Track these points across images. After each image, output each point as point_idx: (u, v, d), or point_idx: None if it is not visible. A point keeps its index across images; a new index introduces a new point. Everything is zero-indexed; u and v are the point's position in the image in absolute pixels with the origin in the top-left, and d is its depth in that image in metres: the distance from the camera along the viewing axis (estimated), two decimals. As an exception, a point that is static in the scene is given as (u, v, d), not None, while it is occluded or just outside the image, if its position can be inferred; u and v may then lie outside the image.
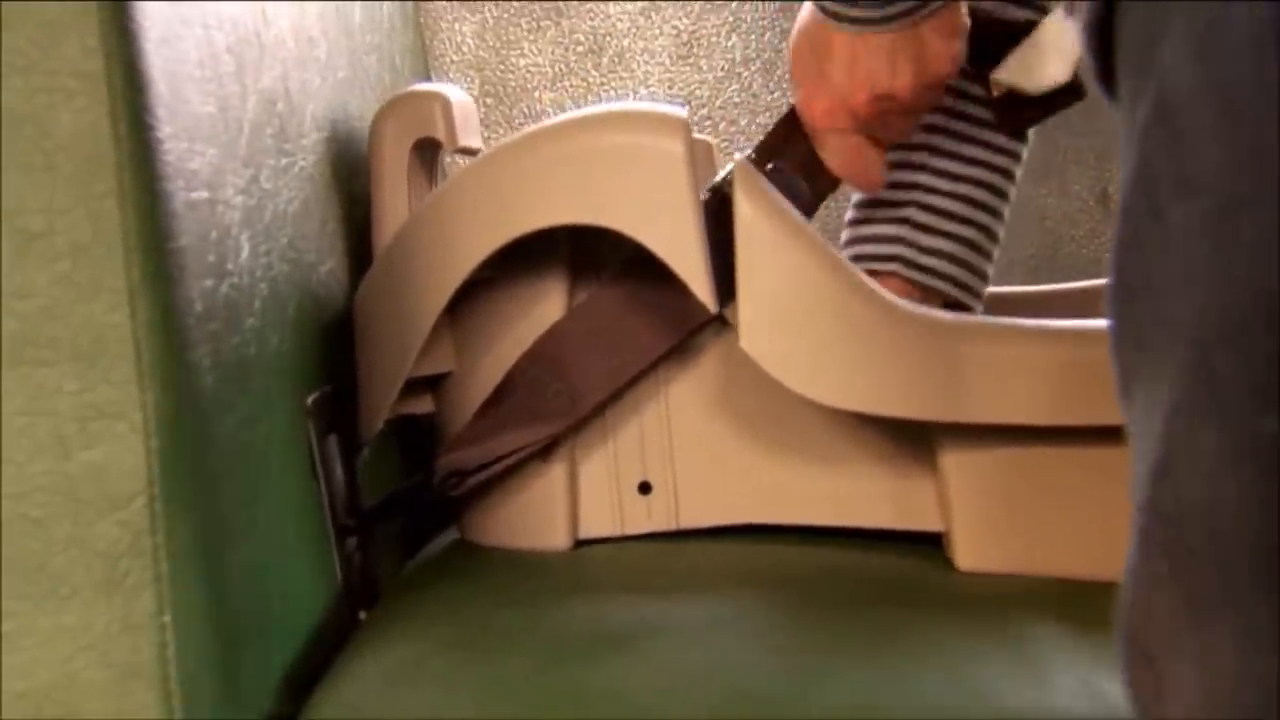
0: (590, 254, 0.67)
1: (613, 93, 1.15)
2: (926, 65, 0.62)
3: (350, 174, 0.73)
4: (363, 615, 0.65)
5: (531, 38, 1.14)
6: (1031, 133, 0.74)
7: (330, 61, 0.72)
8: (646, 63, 1.14)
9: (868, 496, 0.67)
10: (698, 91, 1.15)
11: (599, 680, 0.52)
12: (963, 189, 0.71)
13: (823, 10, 0.60)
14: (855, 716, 0.50)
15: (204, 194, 0.50)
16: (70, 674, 0.45)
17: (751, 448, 0.68)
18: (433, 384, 0.71)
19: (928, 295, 0.71)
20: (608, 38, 1.14)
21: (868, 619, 0.57)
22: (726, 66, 1.15)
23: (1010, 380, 0.60)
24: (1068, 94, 0.69)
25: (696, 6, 1.14)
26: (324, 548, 0.62)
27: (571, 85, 1.15)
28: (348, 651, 0.58)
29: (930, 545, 0.66)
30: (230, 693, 0.49)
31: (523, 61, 1.14)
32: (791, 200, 0.64)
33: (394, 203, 0.71)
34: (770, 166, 0.67)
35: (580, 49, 1.14)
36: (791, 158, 0.67)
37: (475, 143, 0.72)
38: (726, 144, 1.14)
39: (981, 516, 0.63)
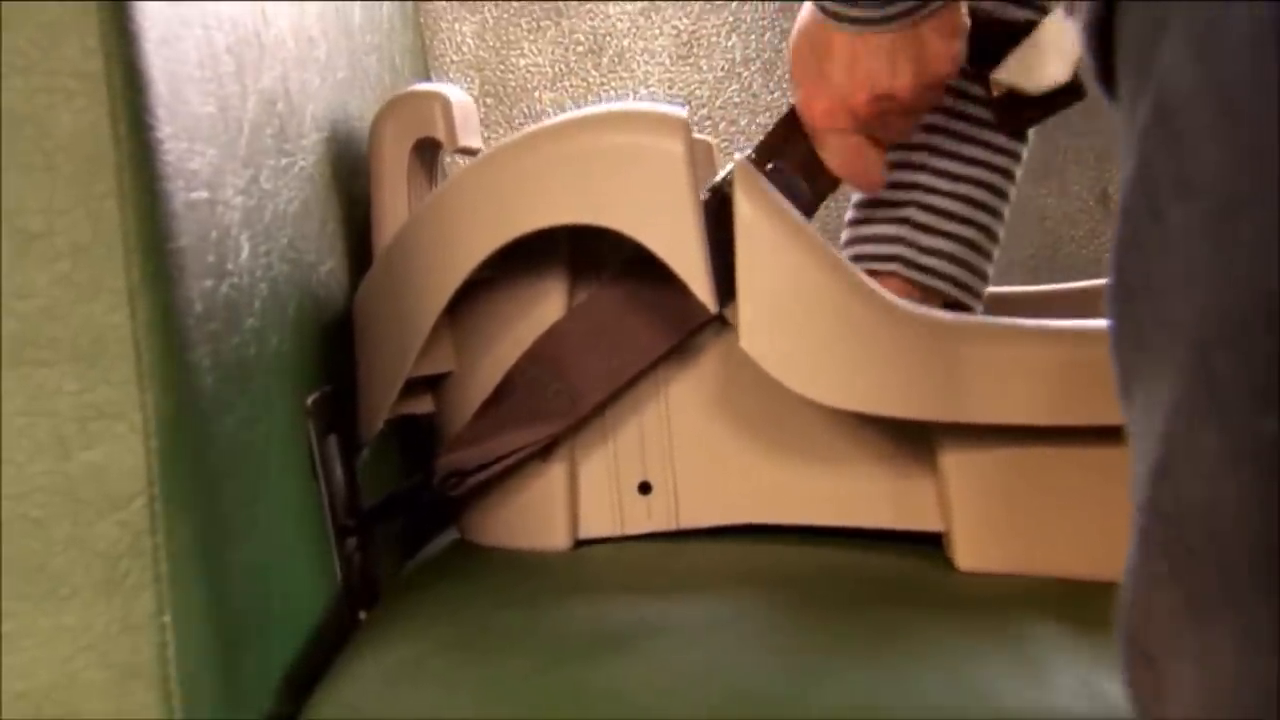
0: (590, 254, 0.67)
1: (613, 93, 1.15)
2: (927, 65, 0.62)
3: (350, 174, 0.73)
4: (363, 615, 0.65)
5: (531, 38, 1.14)
6: (1031, 133, 0.74)
7: (330, 62, 0.72)
8: (646, 63, 1.14)
9: (868, 497, 0.67)
10: (698, 91, 1.15)
11: (599, 680, 0.52)
12: (962, 189, 0.71)
13: (823, 10, 0.60)
14: (855, 716, 0.50)
15: (204, 194, 0.50)
16: (70, 674, 0.45)
17: (751, 448, 0.68)
18: (432, 384, 0.71)
19: (927, 295, 0.71)
20: (608, 38, 1.14)
21: (868, 619, 0.57)
22: (726, 66, 1.15)
23: (1010, 380, 0.60)
24: (1068, 94, 0.69)
25: (696, 6, 1.14)
26: (324, 548, 0.62)
27: (571, 85, 1.15)
28: (348, 651, 0.58)
29: (930, 545, 0.66)
30: (230, 693, 0.49)
31: (523, 61, 1.14)
32: (791, 200, 0.64)
33: (394, 203, 0.71)
34: (770, 166, 0.67)
35: (580, 49, 1.14)
36: (791, 158, 0.67)
37: (475, 143, 0.72)
38: (726, 144, 1.14)
39: (981, 516, 0.63)
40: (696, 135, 0.64)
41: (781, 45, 1.13)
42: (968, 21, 0.64)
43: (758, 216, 0.61)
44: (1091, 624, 0.56)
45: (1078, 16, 0.39)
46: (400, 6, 0.97)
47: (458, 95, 0.71)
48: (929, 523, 0.66)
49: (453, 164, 0.87)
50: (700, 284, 0.60)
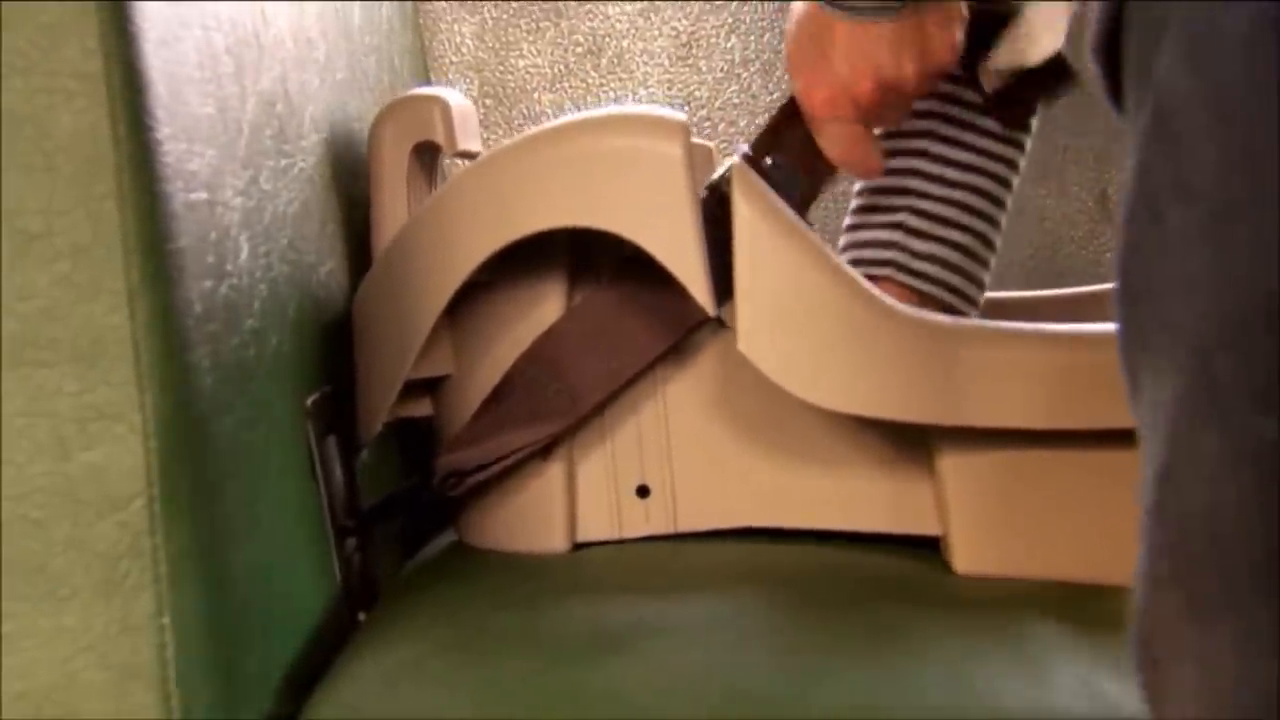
0: (589, 257, 0.67)
1: (612, 94, 1.15)
2: (929, 54, 0.62)
3: (350, 175, 0.73)
4: (362, 616, 0.65)
5: (531, 39, 1.14)
6: (1030, 137, 0.74)
7: (329, 63, 0.72)
8: (646, 64, 1.15)
9: (866, 500, 0.67)
10: (697, 93, 1.15)
11: (598, 681, 0.53)
12: (958, 195, 0.72)
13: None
14: (855, 716, 0.50)
15: (203, 195, 0.50)
16: (69, 675, 0.45)
17: (749, 451, 0.68)
18: (431, 387, 0.71)
19: (922, 300, 0.71)
20: (607, 39, 1.14)
21: (867, 619, 0.57)
22: (726, 67, 1.15)
23: (1007, 384, 0.60)
24: (1061, 77, 0.69)
25: (696, 7, 1.14)
26: (323, 549, 0.62)
27: (571, 86, 1.15)
28: (347, 652, 0.58)
29: (928, 549, 0.66)
30: (229, 693, 0.49)
31: (522, 63, 1.14)
32: (790, 195, 0.64)
33: (393, 206, 0.71)
34: (769, 162, 0.67)
35: (579, 50, 1.14)
36: (789, 148, 0.67)
37: (474, 146, 0.72)
38: (726, 145, 1.14)
39: (979, 520, 0.63)
40: (696, 140, 0.64)
41: (781, 46, 1.13)
42: (966, 11, 0.64)
43: (756, 219, 0.61)
44: (1091, 624, 0.56)
45: (1087, 34, 0.39)
46: (399, 7, 0.97)
47: (457, 99, 0.71)
48: (927, 526, 0.66)
49: (452, 166, 0.87)
50: (699, 287, 0.61)
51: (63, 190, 0.44)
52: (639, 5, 1.14)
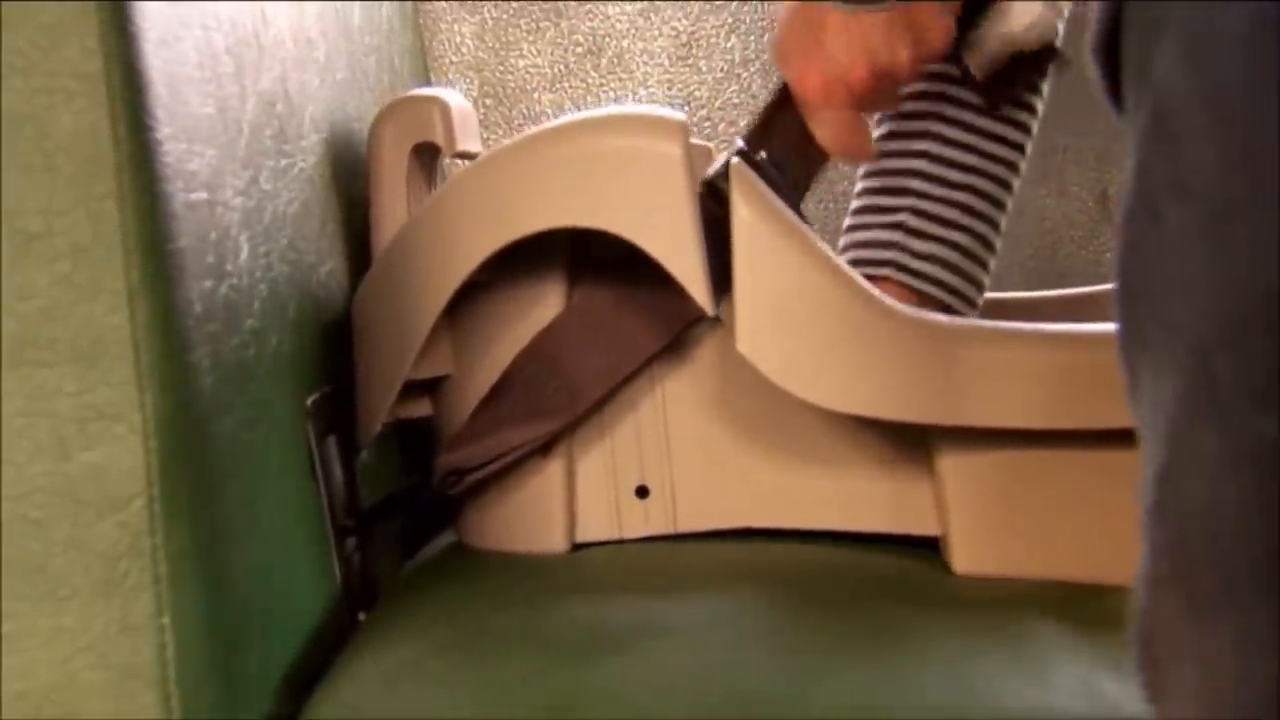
0: (589, 257, 0.67)
1: (612, 94, 1.15)
2: (922, 40, 0.62)
3: (350, 176, 0.73)
4: (362, 616, 0.65)
5: (531, 39, 1.14)
6: (1031, 138, 0.74)
7: (329, 63, 0.72)
8: (646, 64, 1.15)
9: (865, 500, 0.67)
10: (697, 93, 1.15)
11: (597, 681, 0.53)
12: (958, 196, 0.72)
13: None
14: (855, 716, 0.50)
15: (203, 195, 0.50)
16: (69, 675, 0.45)
17: (748, 451, 0.68)
18: (431, 388, 0.71)
19: (921, 300, 0.71)
20: (607, 39, 1.14)
21: (866, 619, 0.57)
22: (726, 67, 1.15)
23: (1007, 384, 0.60)
24: (1046, 57, 0.69)
25: (696, 7, 1.14)
26: (323, 549, 0.62)
27: (571, 86, 1.15)
28: (347, 652, 0.58)
29: (928, 549, 0.66)
30: (229, 693, 0.49)
31: (522, 63, 1.14)
32: (785, 189, 0.64)
33: (393, 206, 0.71)
34: (763, 155, 0.66)
35: (579, 50, 1.14)
36: (783, 138, 0.67)
37: (474, 147, 0.72)
38: (726, 145, 1.14)
39: (978, 520, 0.63)
40: (695, 140, 0.64)
41: (781, 47, 1.13)
42: None
43: (755, 220, 0.61)
44: (1091, 624, 0.56)
45: (1086, 34, 0.39)
46: (399, 7, 0.98)
47: (456, 100, 0.71)
48: (926, 527, 0.66)
49: (452, 167, 0.87)
50: (698, 288, 0.61)
51: (63, 190, 0.44)
52: (639, 5, 1.14)
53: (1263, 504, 0.31)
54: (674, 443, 0.68)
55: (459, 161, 0.73)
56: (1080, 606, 0.58)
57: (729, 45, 1.14)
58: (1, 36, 0.44)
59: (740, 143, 0.66)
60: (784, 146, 0.67)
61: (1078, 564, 0.62)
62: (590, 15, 1.14)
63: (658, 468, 0.68)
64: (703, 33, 1.14)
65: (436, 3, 1.13)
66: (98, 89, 0.44)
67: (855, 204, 0.75)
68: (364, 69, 0.81)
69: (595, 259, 0.67)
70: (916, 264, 0.71)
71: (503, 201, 0.62)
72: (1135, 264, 0.35)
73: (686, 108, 1.14)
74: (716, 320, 0.64)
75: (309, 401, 0.62)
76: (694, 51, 1.14)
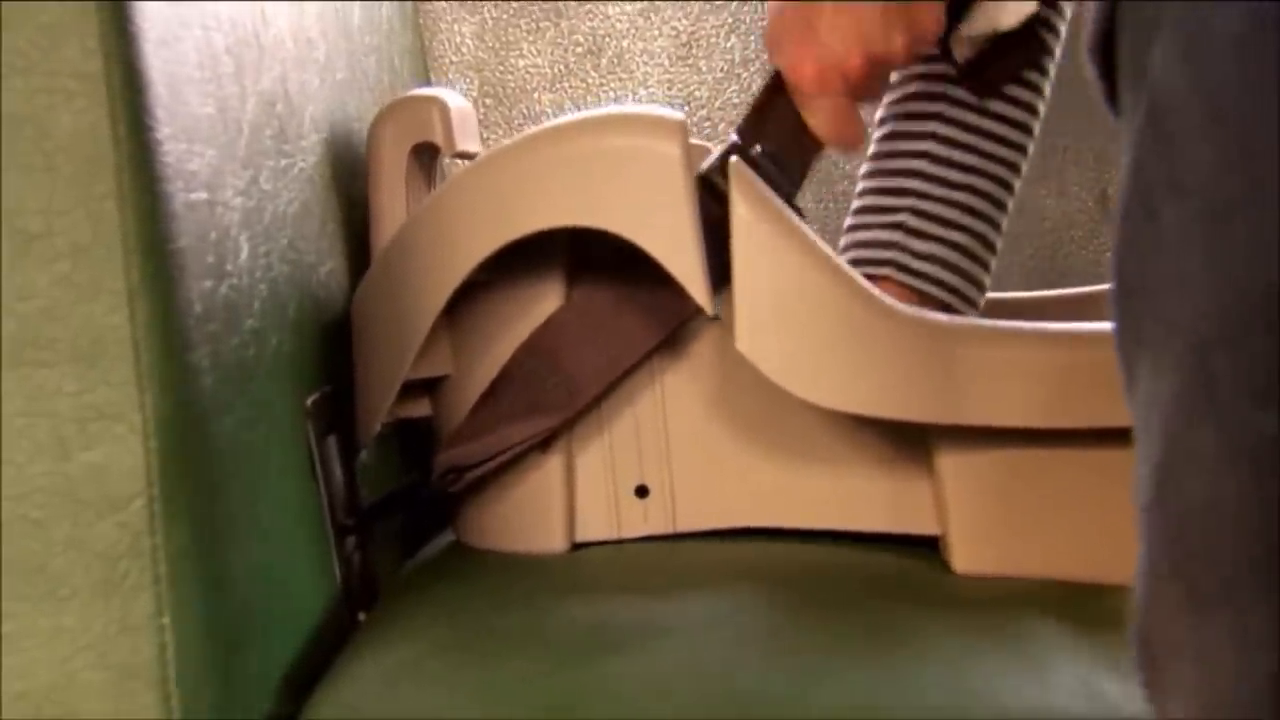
0: (588, 256, 0.67)
1: (612, 94, 1.15)
2: (916, 26, 0.62)
3: (350, 175, 0.73)
4: (362, 616, 0.65)
5: (531, 39, 1.14)
6: (1033, 139, 0.74)
7: (329, 63, 0.72)
8: (646, 64, 1.15)
9: (865, 500, 0.67)
10: (697, 93, 1.15)
11: (597, 681, 0.53)
12: (958, 196, 0.72)
13: None
14: (855, 716, 0.50)
15: (203, 195, 0.50)
16: (69, 675, 0.45)
17: (748, 450, 0.68)
18: (430, 388, 0.71)
19: (922, 300, 0.71)
20: (607, 39, 1.14)
21: (866, 618, 0.57)
22: (726, 67, 1.15)
23: (1007, 383, 0.60)
24: (1032, 45, 0.70)
25: (696, 7, 1.14)
26: (323, 549, 0.62)
27: (571, 86, 1.15)
28: (347, 652, 0.58)
29: (927, 548, 0.66)
30: (229, 693, 0.49)
31: (522, 63, 1.14)
32: (780, 183, 0.64)
33: (392, 206, 0.71)
34: (758, 149, 0.66)
35: (579, 50, 1.14)
36: (777, 128, 0.67)
37: (473, 147, 0.72)
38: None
39: (978, 519, 0.63)
40: (695, 141, 0.64)
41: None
42: None
43: (755, 219, 0.61)
44: (1091, 624, 0.56)
45: (1083, 34, 0.39)
46: (399, 7, 0.98)
47: (456, 100, 0.71)
48: (926, 526, 0.66)
49: (452, 167, 0.87)
50: (697, 287, 0.61)
51: (63, 190, 0.44)
52: (639, 5, 1.14)
53: (1262, 500, 0.31)
54: (673, 442, 0.68)
55: (458, 161, 0.73)
56: (1080, 606, 0.58)
57: (729, 45, 1.14)
58: (1, 36, 0.44)
59: (734, 136, 0.66)
60: (778, 137, 0.67)
61: (1078, 563, 0.62)
62: (590, 15, 1.14)
63: (657, 467, 0.68)
64: (703, 33, 1.14)
65: (436, 3, 1.13)
66: (98, 89, 0.44)
67: (856, 204, 0.75)
68: (364, 69, 0.81)
69: (594, 256, 0.67)
70: (917, 264, 0.71)
71: (502, 201, 0.62)
72: (1131, 262, 0.36)
73: (686, 108, 1.15)
74: (716, 319, 0.64)
75: (309, 401, 0.62)
76: (694, 51, 1.14)
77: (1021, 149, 0.73)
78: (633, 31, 1.14)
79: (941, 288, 0.71)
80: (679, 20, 1.14)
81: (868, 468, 0.67)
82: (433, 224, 0.65)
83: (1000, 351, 0.60)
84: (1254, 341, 0.31)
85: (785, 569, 0.64)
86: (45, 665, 0.45)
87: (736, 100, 1.14)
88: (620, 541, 0.69)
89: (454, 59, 1.14)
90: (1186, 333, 0.33)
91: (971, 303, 0.73)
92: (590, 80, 1.15)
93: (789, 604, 0.59)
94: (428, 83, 1.11)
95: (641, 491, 0.69)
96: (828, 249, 0.62)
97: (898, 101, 0.74)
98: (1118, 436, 0.37)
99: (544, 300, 0.67)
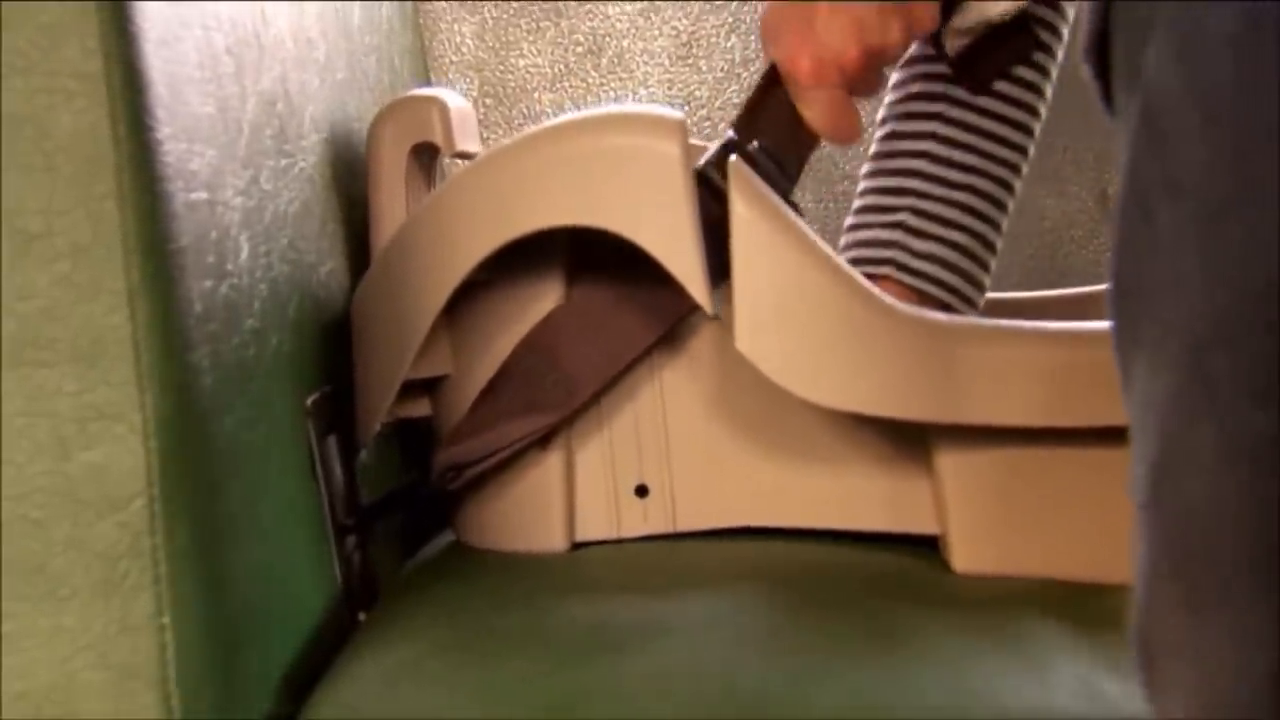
0: (587, 256, 0.67)
1: (612, 94, 1.15)
2: (912, 20, 0.63)
3: (350, 175, 0.73)
4: (362, 616, 0.65)
5: (531, 39, 1.14)
6: (1034, 140, 0.74)
7: (329, 63, 0.72)
8: (646, 64, 1.15)
9: (864, 499, 0.67)
10: (697, 92, 1.15)
11: (597, 681, 0.53)
12: (959, 195, 0.72)
13: None
14: (855, 716, 0.50)
15: (203, 195, 0.50)
16: (69, 675, 0.45)
17: (748, 449, 0.68)
18: (430, 387, 0.71)
19: (921, 299, 0.71)
20: (607, 39, 1.14)
21: (867, 618, 0.57)
22: (726, 67, 1.15)
23: (1006, 382, 0.60)
24: (1023, 38, 0.70)
25: (696, 7, 1.14)
26: (323, 548, 0.62)
27: (571, 86, 1.15)
28: (347, 652, 0.58)
29: (927, 547, 0.66)
30: (229, 693, 0.49)
31: (522, 62, 1.14)
32: (777, 179, 0.64)
33: (392, 206, 0.71)
34: (755, 145, 0.66)
35: (580, 50, 1.14)
36: (773, 121, 0.67)
37: (473, 147, 0.72)
38: (725, 145, 1.14)
39: (977, 518, 0.63)
40: (694, 141, 0.64)
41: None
42: None
43: (755, 218, 0.61)
44: (1091, 623, 0.56)
45: (1079, 40, 0.39)
46: (399, 7, 0.98)
47: (455, 100, 0.71)
48: (925, 525, 0.66)
49: (451, 167, 0.87)
50: (697, 286, 0.61)
51: (63, 190, 0.44)
52: (639, 5, 1.14)
53: (1260, 500, 0.31)
54: (673, 441, 0.68)
55: (458, 161, 0.73)
56: (1080, 605, 0.58)
57: (729, 45, 1.14)
58: (2, 36, 0.44)
59: (730, 132, 0.66)
60: (774, 132, 0.66)
61: (1077, 562, 0.62)
62: (590, 15, 1.14)
63: (657, 467, 0.68)
64: (703, 33, 1.14)
65: (436, 3, 1.13)
66: (98, 89, 0.44)
67: (857, 203, 0.75)
68: (364, 69, 0.81)
69: (596, 262, 0.67)
70: (916, 263, 0.71)
71: (501, 200, 0.62)
72: (1128, 263, 0.36)
73: (686, 108, 1.15)
74: (715, 317, 0.64)
75: (309, 401, 0.62)
76: (694, 51, 1.14)
77: (1022, 149, 0.73)
78: (633, 31, 1.14)
79: (941, 287, 0.71)
80: (679, 20, 1.14)
81: (868, 467, 0.67)
82: (432, 224, 0.65)
83: (1000, 350, 0.60)
84: (1251, 341, 0.31)
85: (785, 569, 0.64)
86: (45, 665, 0.45)
87: (737, 100, 1.14)
88: (620, 541, 0.69)
89: (454, 59, 1.14)
90: (1183, 333, 0.33)
91: (971, 303, 0.73)
92: (590, 80, 1.15)
93: (789, 604, 0.59)
94: (428, 83, 1.11)
95: (641, 491, 0.69)
96: (827, 248, 0.62)
97: (899, 101, 0.74)
98: (1118, 436, 0.37)
99: (543, 299, 0.67)
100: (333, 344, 0.66)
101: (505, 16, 1.14)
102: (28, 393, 0.45)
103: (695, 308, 0.63)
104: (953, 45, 0.71)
